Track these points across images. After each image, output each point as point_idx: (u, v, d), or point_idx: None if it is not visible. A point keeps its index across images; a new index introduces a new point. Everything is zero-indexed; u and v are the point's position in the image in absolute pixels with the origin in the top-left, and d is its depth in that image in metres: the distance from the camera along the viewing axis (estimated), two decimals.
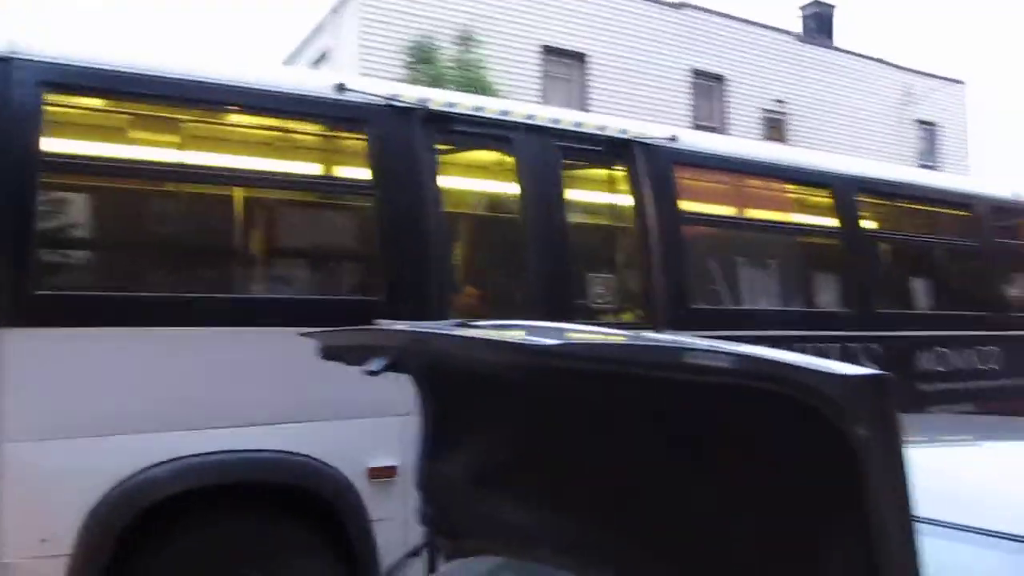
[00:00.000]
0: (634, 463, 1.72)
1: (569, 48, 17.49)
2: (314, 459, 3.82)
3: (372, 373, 1.96)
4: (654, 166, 5.15)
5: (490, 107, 4.86)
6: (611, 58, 17.75)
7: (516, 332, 1.88)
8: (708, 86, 19.55)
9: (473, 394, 2.07)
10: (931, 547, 1.55)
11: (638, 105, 16.92)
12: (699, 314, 5.19)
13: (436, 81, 11.63)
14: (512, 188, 4.78)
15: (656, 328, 4.89)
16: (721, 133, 18.72)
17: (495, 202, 5.32)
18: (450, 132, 4.60)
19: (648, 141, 5.21)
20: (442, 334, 1.94)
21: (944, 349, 6.37)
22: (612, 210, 5.23)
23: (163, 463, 3.50)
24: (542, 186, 4.75)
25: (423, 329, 2.00)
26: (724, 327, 5.26)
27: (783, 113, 20.56)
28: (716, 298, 5.51)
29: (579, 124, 5.12)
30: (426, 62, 12.36)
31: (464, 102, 4.86)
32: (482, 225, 5.46)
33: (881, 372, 1.21)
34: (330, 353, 2.19)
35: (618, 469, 1.75)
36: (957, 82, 25.72)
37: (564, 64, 17.56)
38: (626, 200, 5.10)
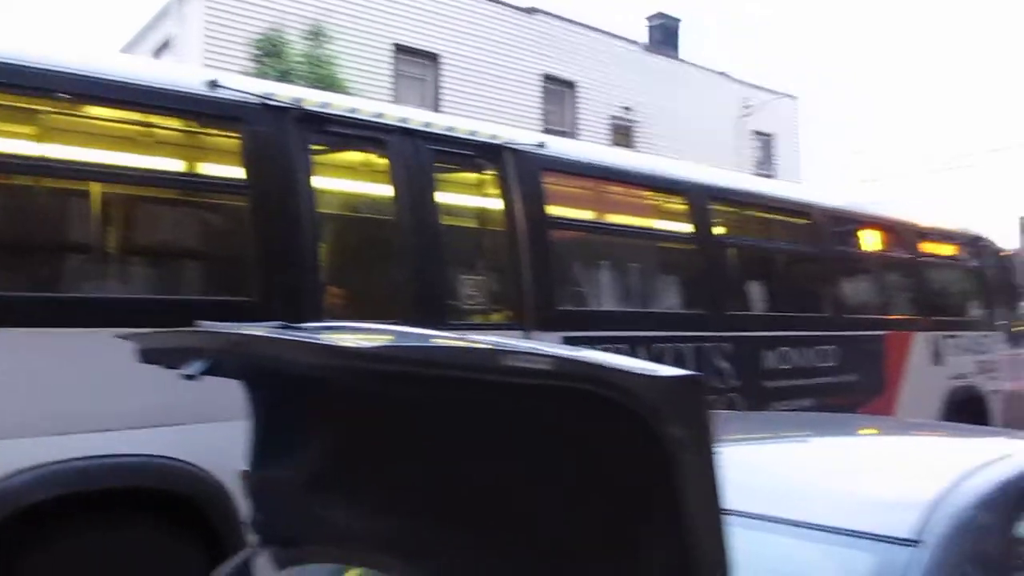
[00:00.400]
0: (460, 465, 1.74)
1: (422, 48, 17.62)
2: (185, 462, 3.79)
3: (189, 377, 1.89)
4: (523, 171, 5.37)
5: (365, 109, 4.93)
6: (464, 60, 18.00)
7: (343, 335, 1.86)
8: (559, 91, 20.13)
9: (301, 397, 2.04)
10: (752, 540, 1.74)
11: (491, 108, 17.24)
12: (566, 316, 5.45)
13: (284, 76, 11.47)
14: (385, 190, 4.87)
15: (524, 329, 5.11)
16: (571, 138, 19.35)
17: (368, 203, 5.38)
18: (324, 132, 4.64)
19: (517, 147, 5.42)
20: (261, 336, 1.88)
21: (789, 348, 6.92)
22: (482, 214, 5.40)
23: (25, 470, 3.39)
24: (414, 189, 4.86)
25: (242, 331, 1.92)
26: (589, 328, 5.56)
27: (631, 120, 21.43)
28: (582, 300, 5.79)
29: (451, 128, 5.26)
30: (274, 56, 12.16)
31: (339, 103, 4.91)
32: (355, 226, 5.51)
33: (693, 373, 1.26)
34: (148, 356, 2.11)
35: (445, 471, 1.77)
36: (790, 96, 27.60)
37: (417, 64, 17.67)
38: (496, 204, 5.29)
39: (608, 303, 6.07)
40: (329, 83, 12.03)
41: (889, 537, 1.80)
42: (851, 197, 8.77)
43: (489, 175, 5.32)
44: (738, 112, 24.84)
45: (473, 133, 5.34)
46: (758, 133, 25.70)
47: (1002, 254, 10.68)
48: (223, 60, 12.71)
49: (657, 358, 5.86)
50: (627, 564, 1.45)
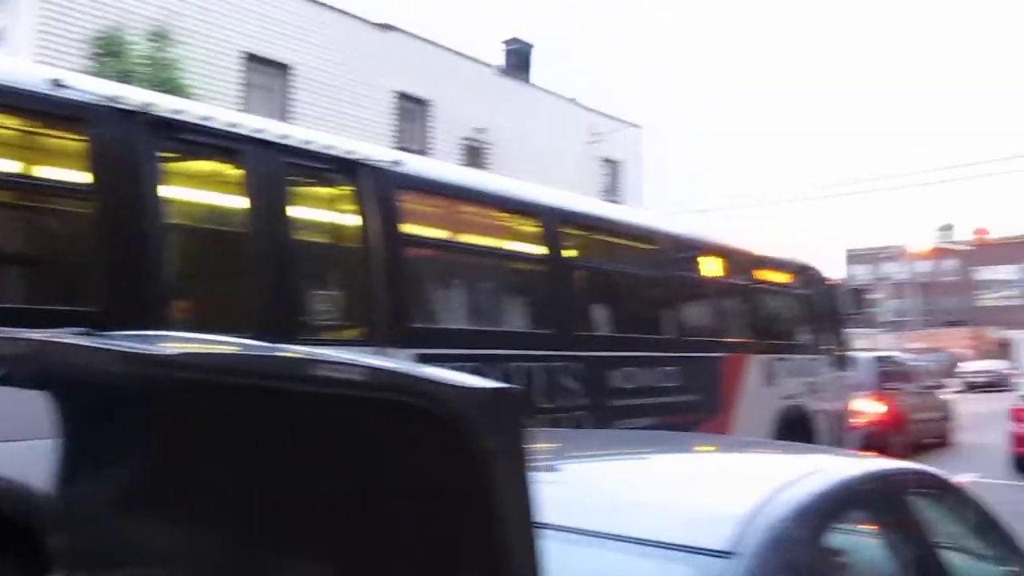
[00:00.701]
0: (276, 481, 1.67)
1: (272, 58, 17.33)
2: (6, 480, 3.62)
3: None
4: (379, 187, 5.43)
5: (218, 117, 4.87)
6: (316, 72, 17.82)
7: (147, 343, 1.77)
8: (412, 109, 20.23)
9: (110, 410, 1.92)
10: (571, 554, 1.85)
11: (342, 122, 17.12)
12: (419, 333, 5.53)
13: (124, 77, 11.01)
14: (237, 201, 4.82)
15: (377, 345, 5.16)
16: (424, 156, 19.47)
17: (219, 214, 5.29)
18: (175, 139, 4.56)
19: (374, 163, 5.49)
20: (59, 343, 1.75)
21: (633, 369, 7.25)
22: (337, 229, 5.41)
23: None
24: (267, 201, 4.84)
25: (35, 337, 1.80)
26: (442, 345, 5.65)
27: (483, 142, 21.76)
28: (435, 318, 5.89)
29: (308, 142, 5.27)
30: (114, 56, 11.66)
31: (192, 110, 4.83)
32: (205, 237, 5.40)
33: (509, 386, 1.27)
34: None
35: (262, 488, 1.69)
36: (635, 126, 28.79)
37: (267, 73, 17.35)
38: (351, 220, 5.32)
39: (461, 321, 6.19)
40: (172, 87, 11.62)
41: (705, 549, 1.86)
42: (693, 225, 9.25)
43: (345, 190, 5.35)
44: (587, 138, 25.66)
45: (330, 147, 5.37)
46: (606, 160, 26.61)
47: (828, 283, 11.55)
48: (57, 56, 12.09)
49: (507, 377, 6.03)
50: None
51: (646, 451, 3.32)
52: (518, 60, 25.23)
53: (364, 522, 1.57)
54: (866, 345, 41.07)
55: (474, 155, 21.31)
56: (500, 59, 24.96)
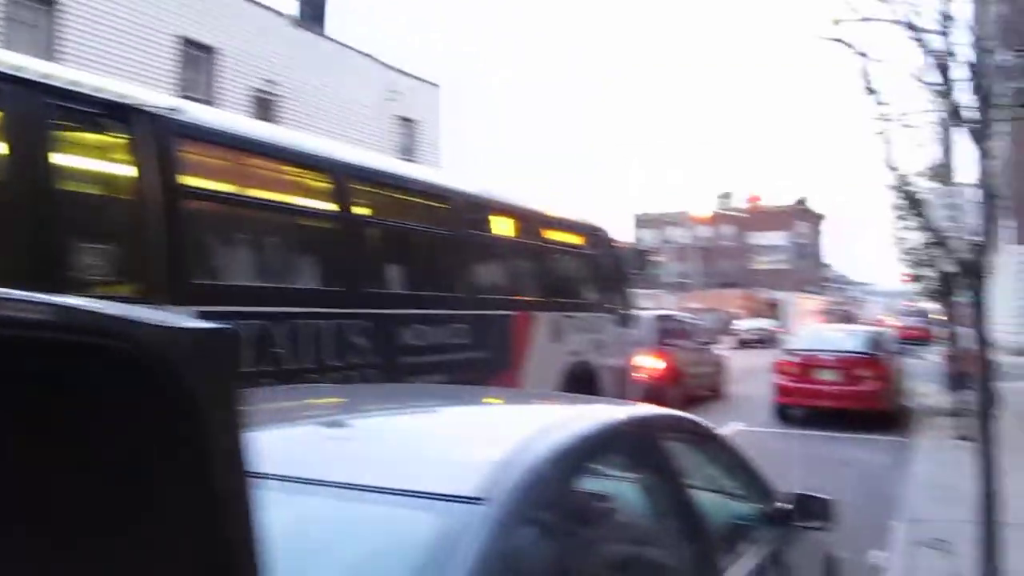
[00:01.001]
0: None
1: None
2: None
3: None
4: (155, 136, 5.16)
5: None
6: (88, 9, 16.54)
7: None
8: (197, 56, 19.23)
9: None
10: (310, 505, 1.87)
11: (117, 65, 16.03)
12: (200, 289, 5.34)
13: None
14: None
15: (155, 303, 4.94)
16: (210, 106, 18.58)
17: None
18: None
19: (149, 109, 5.21)
20: None
21: (424, 326, 7.33)
22: (107, 178, 5.12)
23: None
24: (26, 146, 4.49)
25: None
26: (228, 303, 5.49)
27: (274, 94, 21.06)
28: (219, 274, 5.70)
29: (75, 83, 4.92)
30: None
31: None
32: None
33: (220, 326, 1.19)
34: None
35: None
36: (433, 85, 28.75)
37: (30, 8, 15.92)
38: (124, 169, 5.04)
39: (247, 278, 6.02)
40: None
41: (454, 496, 1.85)
42: (486, 185, 9.40)
43: (117, 137, 5.05)
44: (384, 96, 25.40)
45: (99, 90, 5.04)
46: (402, 119, 26.46)
47: (614, 244, 12.10)
48: None
49: (296, 335, 5.95)
50: (153, 536, 1.42)
51: (421, 404, 3.32)
52: (312, 11, 24.49)
53: (61, 485, 1.43)
54: (651, 305, 43.44)
55: (264, 108, 20.59)
56: (294, 9, 24.12)
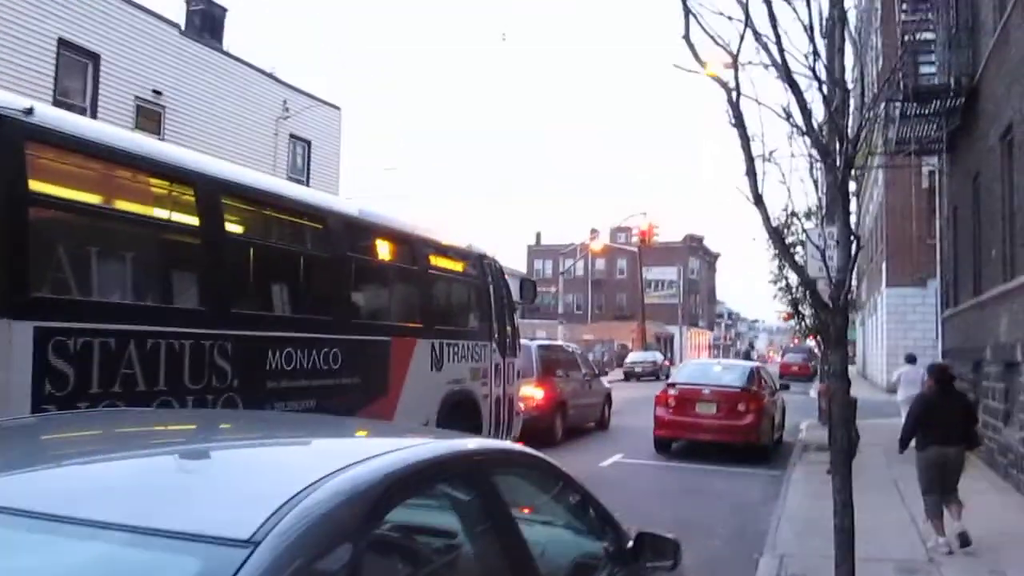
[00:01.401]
0: None
1: None
2: None
3: None
4: (1, 138, 4.87)
5: None
6: None
7: None
8: (78, 62, 18.47)
9: None
10: (42, 543, 1.67)
11: None
12: (41, 303, 5.04)
13: None
14: None
15: None
16: (89, 114, 17.87)
17: None
18: None
19: None
20: None
21: (293, 349, 7.10)
22: None
23: None
24: None
25: None
26: (71, 318, 5.20)
27: (160, 106, 20.40)
28: (65, 288, 5.38)
29: None
30: None
31: None
32: None
33: None
34: None
35: None
36: (334, 107, 28.39)
37: None
38: None
39: (98, 293, 5.71)
40: None
41: (219, 538, 1.65)
42: (368, 207, 9.24)
43: None
44: (278, 114, 24.93)
45: None
46: (297, 138, 26.01)
47: (501, 272, 12.04)
48: None
49: (151, 354, 5.68)
50: None
51: (232, 433, 3.01)
52: (204, 22, 23.90)
53: None
54: (544, 335, 43.68)
55: (149, 119, 19.91)
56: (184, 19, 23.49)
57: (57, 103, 17.03)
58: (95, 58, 18.77)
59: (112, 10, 19.21)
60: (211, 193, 6.43)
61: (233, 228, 6.93)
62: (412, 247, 9.59)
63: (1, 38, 16.37)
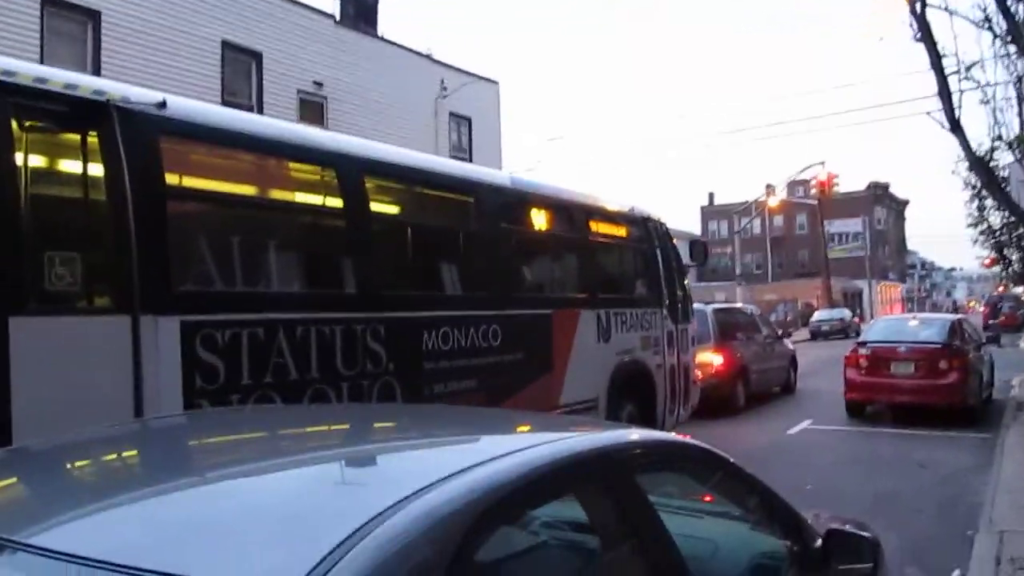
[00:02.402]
0: None
1: (78, 3, 15.94)
2: None
3: None
4: (136, 134, 4.82)
5: None
6: (129, 19, 16.52)
7: None
8: (242, 61, 19.13)
9: None
10: None
11: (161, 74, 15.97)
12: (187, 297, 4.99)
13: None
14: None
15: (133, 313, 4.60)
16: (255, 111, 18.49)
17: None
18: None
19: (129, 106, 4.86)
20: None
21: (449, 328, 6.87)
22: (78, 181, 4.76)
23: None
24: None
25: None
26: (217, 311, 5.13)
27: (322, 96, 20.88)
28: (209, 280, 5.33)
29: (41, 80, 4.61)
30: None
31: None
32: None
33: None
34: None
35: None
36: (492, 81, 28.30)
37: (72, 20, 15.96)
38: (98, 170, 4.70)
39: (243, 283, 5.64)
40: None
41: None
42: (522, 175, 8.90)
43: (89, 136, 4.71)
44: (437, 94, 25.06)
45: (72, 87, 4.71)
46: (456, 116, 26.09)
47: (669, 235, 11.40)
48: None
49: (301, 342, 5.56)
50: None
51: (336, 434, 2.71)
52: (359, 10, 24.27)
53: None
54: (723, 298, 42.41)
55: (311, 110, 20.42)
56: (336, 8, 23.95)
57: (225, 103, 17.71)
58: (257, 56, 19.39)
59: (270, 8, 19.78)
60: (353, 173, 6.25)
61: (378, 207, 6.76)
62: (570, 214, 9.19)
63: (170, 45, 17.13)
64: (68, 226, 4.76)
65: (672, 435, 2.88)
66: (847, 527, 2.92)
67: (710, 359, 14.48)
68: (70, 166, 4.81)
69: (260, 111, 18.74)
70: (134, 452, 2.53)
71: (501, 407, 7.30)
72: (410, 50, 24.87)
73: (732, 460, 2.73)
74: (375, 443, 2.52)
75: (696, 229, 78.94)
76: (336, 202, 6.20)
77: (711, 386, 13.59)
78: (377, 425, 2.90)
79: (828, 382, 17.47)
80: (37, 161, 4.62)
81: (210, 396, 4.95)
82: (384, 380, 6.21)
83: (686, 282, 11.97)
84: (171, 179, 5.07)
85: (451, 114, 25.78)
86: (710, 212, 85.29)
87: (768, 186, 46.33)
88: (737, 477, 2.74)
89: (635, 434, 2.61)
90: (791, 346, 19.76)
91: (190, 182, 5.37)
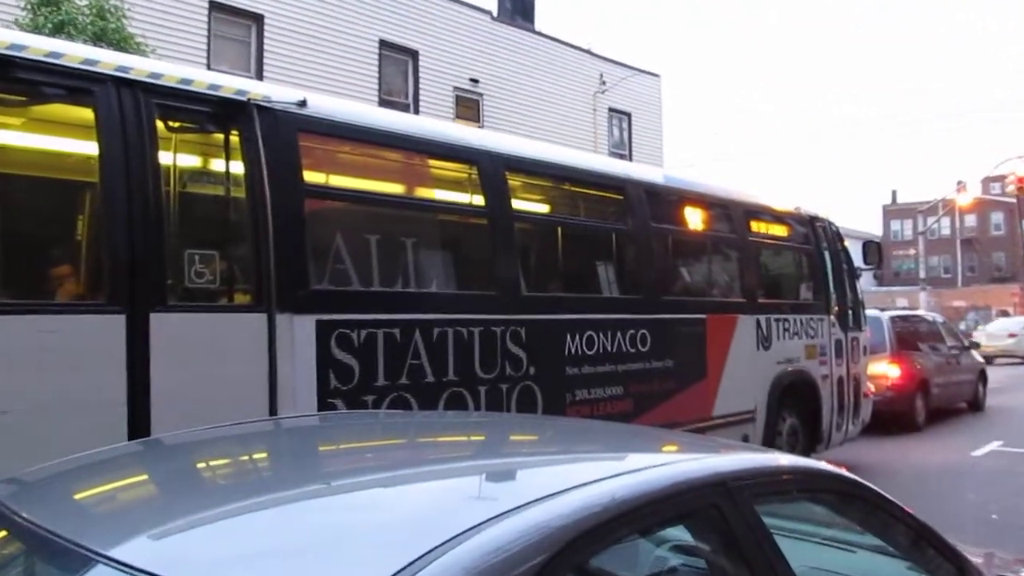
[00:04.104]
0: None
1: (243, 7, 16.82)
2: None
3: None
4: (276, 132, 4.98)
5: (71, 54, 4.43)
6: (291, 21, 17.31)
7: None
8: (399, 60, 19.67)
9: None
10: None
11: (321, 74, 16.68)
12: (323, 296, 5.11)
13: (61, 29, 10.60)
14: (90, 148, 4.40)
15: (269, 311, 4.74)
16: (412, 109, 18.97)
17: (68, 163, 4.89)
18: (12, 80, 4.15)
19: (269, 105, 5.03)
20: None
21: (594, 332, 6.76)
22: (219, 179, 4.97)
23: None
24: (128, 148, 4.40)
25: None
26: (353, 310, 5.23)
27: (478, 93, 21.19)
28: (345, 279, 5.43)
29: (186, 81, 4.82)
30: (49, 4, 11.15)
31: (39, 45, 4.40)
32: (48, 189, 5.03)
33: None
34: None
35: None
36: (653, 74, 27.98)
37: (237, 24, 16.86)
38: (238, 168, 4.88)
39: (380, 283, 5.72)
40: (117, 39, 11.20)
41: None
42: (675, 172, 8.70)
43: (231, 135, 4.89)
44: (595, 89, 24.99)
45: (215, 88, 4.91)
46: (616, 111, 25.91)
47: (838, 236, 10.86)
48: None
49: (438, 343, 5.60)
50: None
51: (399, 452, 2.62)
52: (516, 5, 24.51)
53: None
54: (905, 304, 40.23)
55: (467, 107, 20.76)
56: (493, 5, 24.28)
57: (382, 102, 18.27)
58: (414, 55, 19.89)
59: (428, 6, 20.25)
60: (494, 170, 6.25)
61: (521, 205, 6.73)
62: (728, 214, 8.89)
63: (329, 46, 17.81)
64: (208, 224, 4.97)
65: (811, 462, 2.65)
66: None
67: (885, 371, 13.72)
68: (212, 165, 5.03)
69: (416, 110, 19.21)
70: (247, 455, 2.58)
71: (649, 416, 7.16)
72: (569, 44, 24.89)
73: (877, 489, 2.50)
74: (482, 457, 2.46)
75: (877, 230, 75.46)
76: (477, 199, 6.21)
77: (886, 400, 12.88)
78: (490, 437, 2.85)
79: (1022, 400, 16.24)
80: (181, 160, 4.85)
81: (344, 396, 5.05)
82: (524, 385, 6.18)
83: (858, 287, 11.40)
84: (310, 177, 5.21)
85: (610, 109, 25.65)
86: (892, 211, 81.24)
87: (959, 183, 43.70)
88: (886, 511, 2.51)
89: (762, 459, 2.43)
90: (980, 359, 18.52)
91: (328, 180, 5.51)
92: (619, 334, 7.04)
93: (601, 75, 25.24)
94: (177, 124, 4.77)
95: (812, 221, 10.30)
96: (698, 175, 8.98)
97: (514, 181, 6.51)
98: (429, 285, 6.18)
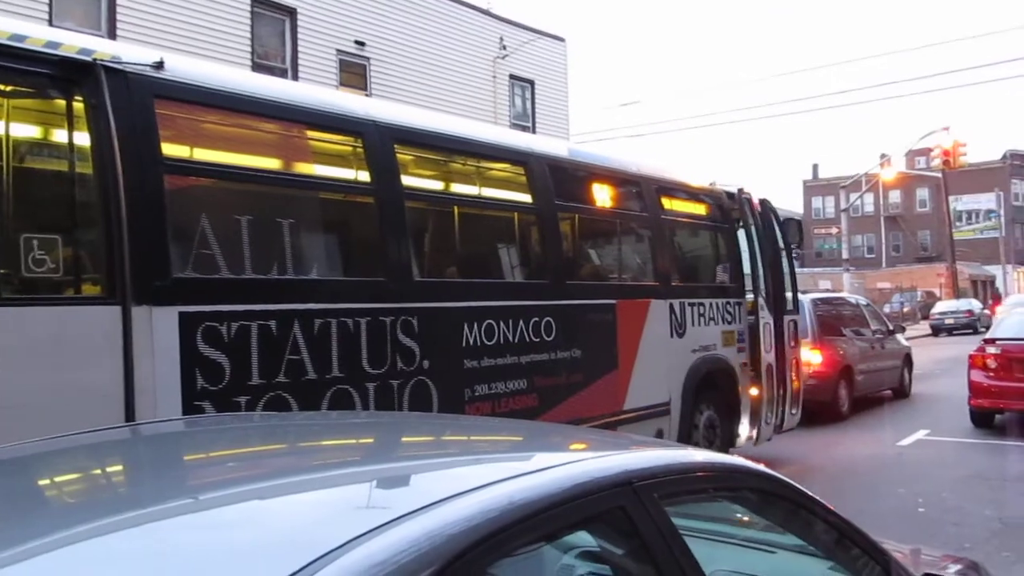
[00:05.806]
0: None
1: None
2: None
3: None
4: (128, 98, 4.80)
5: None
6: None
7: None
8: (274, 19, 19.27)
9: None
10: None
11: (182, 34, 16.20)
12: (185, 285, 4.96)
13: None
14: None
15: (124, 303, 4.58)
16: (290, 75, 18.62)
17: None
18: None
19: (119, 66, 4.84)
20: None
21: (494, 321, 6.76)
22: (63, 152, 4.77)
23: None
24: None
25: None
26: (222, 300, 5.10)
27: (364, 57, 20.94)
28: (212, 266, 5.28)
29: (17, 37, 4.59)
30: None
31: None
32: None
33: None
34: None
35: None
36: (558, 38, 28.10)
37: None
38: (84, 139, 4.69)
39: (253, 269, 5.58)
40: None
41: None
42: (579, 146, 8.74)
43: (74, 101, 4.70)
44: (496, 54, 24.97)
45: (52, 45, 4.70)
46: (517, 79, 25.96)
47: (759, 213, 11.00)
48: None
49: (320, 336, 5.51)
50: None
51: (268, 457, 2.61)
52: None
53: None
54: (829, 286, 41.48)
55: (352, 72, 20.50)
56: None
57: (256, 67, 17.88)
58: (292, 13, 19.51)
59: None
60: (382, 143, 6.17)
61: (412, 182, 6.67)
62: (639, 190, 8.99)
63: (194, 1, 17.31)
64: (49, 204, 4.77)
65: (728, 458, 2.70)
66: (951, 571, 2.73)
67: (807, 357, 14.14)
68: (54, 136, 4.83)
69: (295, 76, 18.88)
70: (99, 468, 2.47)
71: (556, 411, 7.22)
72: (466, 4, 24.78)
73: (800, 487, 2.55)
74: (369, 462, 2.42)
75: (798, 207, 77.67)
76: (363, 175, 6.13)
77: (808, 388, 13.26)
78: (379, 439, 2.80)
79: (950, 386, 16.94)
80: (15, 131, 4.63)
81: (214, 397, 4.93)
82: (417, 380, 6.14)
83: (792, 267, 11.63)
84: (170, 150, 5.04)
85: (512, 77, 25.68)
86: (813, 187, 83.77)
87: (883, 156, 45.29)
88: (808, 509, 2.57)
89: (674, 456, 2.45)
90: (905, 343, 19.25)
91: (193, 154, 5.34)
92: (522, 322, 7.06)
93: (501, 39, 25.23)
94: (9, 88, 4.58)
95: (732, 197, 10.46)
96: (608, 150, 9.01)
97: (404, 155, 6.44)
98: (309, 271, 6.06)
